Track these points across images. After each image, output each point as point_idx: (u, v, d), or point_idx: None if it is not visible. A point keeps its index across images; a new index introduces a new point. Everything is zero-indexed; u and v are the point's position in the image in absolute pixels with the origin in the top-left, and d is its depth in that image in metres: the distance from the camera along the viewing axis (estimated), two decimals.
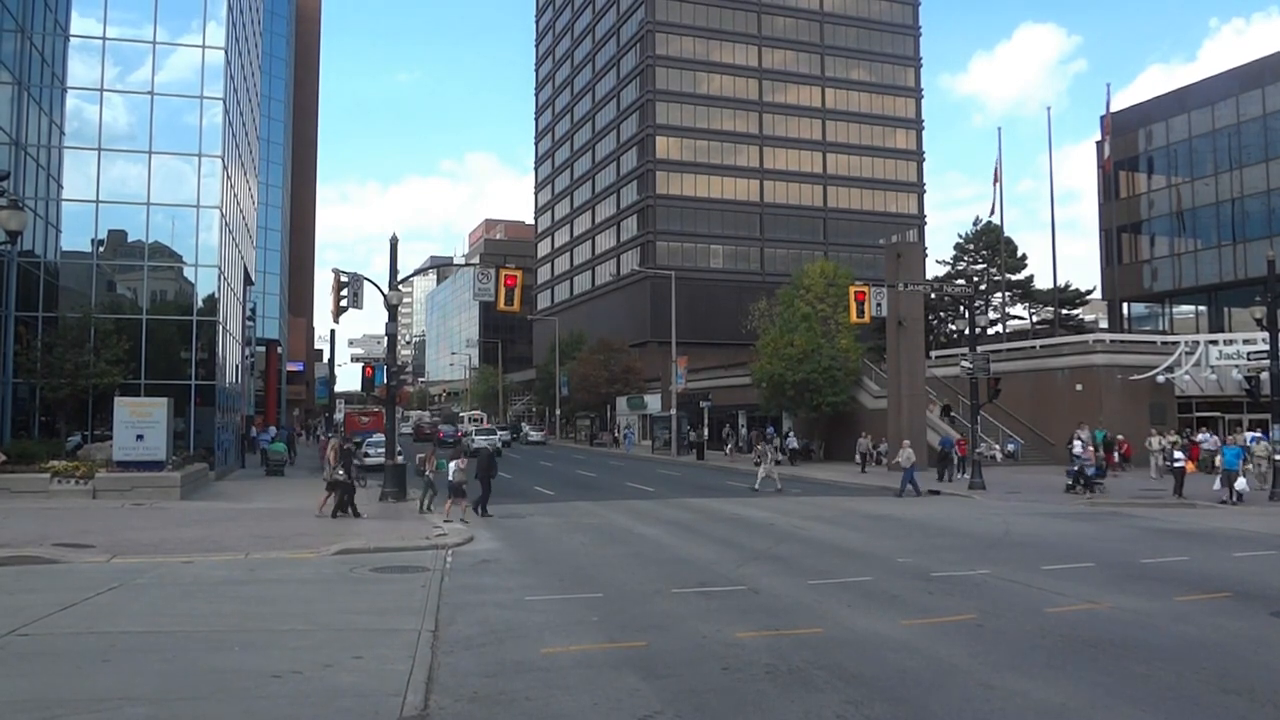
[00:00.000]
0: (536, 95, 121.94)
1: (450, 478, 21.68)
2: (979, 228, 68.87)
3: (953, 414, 43.63)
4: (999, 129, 76.58)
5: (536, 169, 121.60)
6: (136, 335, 33.05)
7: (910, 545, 17.80)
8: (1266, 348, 26.92)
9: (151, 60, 36.01)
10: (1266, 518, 22.34)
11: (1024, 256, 68.70)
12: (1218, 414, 41.27)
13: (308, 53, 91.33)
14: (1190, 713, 7.85)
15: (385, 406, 30.10)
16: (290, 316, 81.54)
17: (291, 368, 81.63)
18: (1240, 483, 25.34)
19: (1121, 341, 46.59)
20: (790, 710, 7.77)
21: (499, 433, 62.19)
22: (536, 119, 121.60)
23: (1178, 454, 27.89)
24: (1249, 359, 35.20)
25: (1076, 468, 28.33)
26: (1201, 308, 56.21)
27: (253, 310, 54.74)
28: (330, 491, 21.86)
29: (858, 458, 39.88)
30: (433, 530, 19.27)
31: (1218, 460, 33.86)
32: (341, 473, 21.51)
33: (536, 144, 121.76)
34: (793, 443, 45.73)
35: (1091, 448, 30.72)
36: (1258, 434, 33.16)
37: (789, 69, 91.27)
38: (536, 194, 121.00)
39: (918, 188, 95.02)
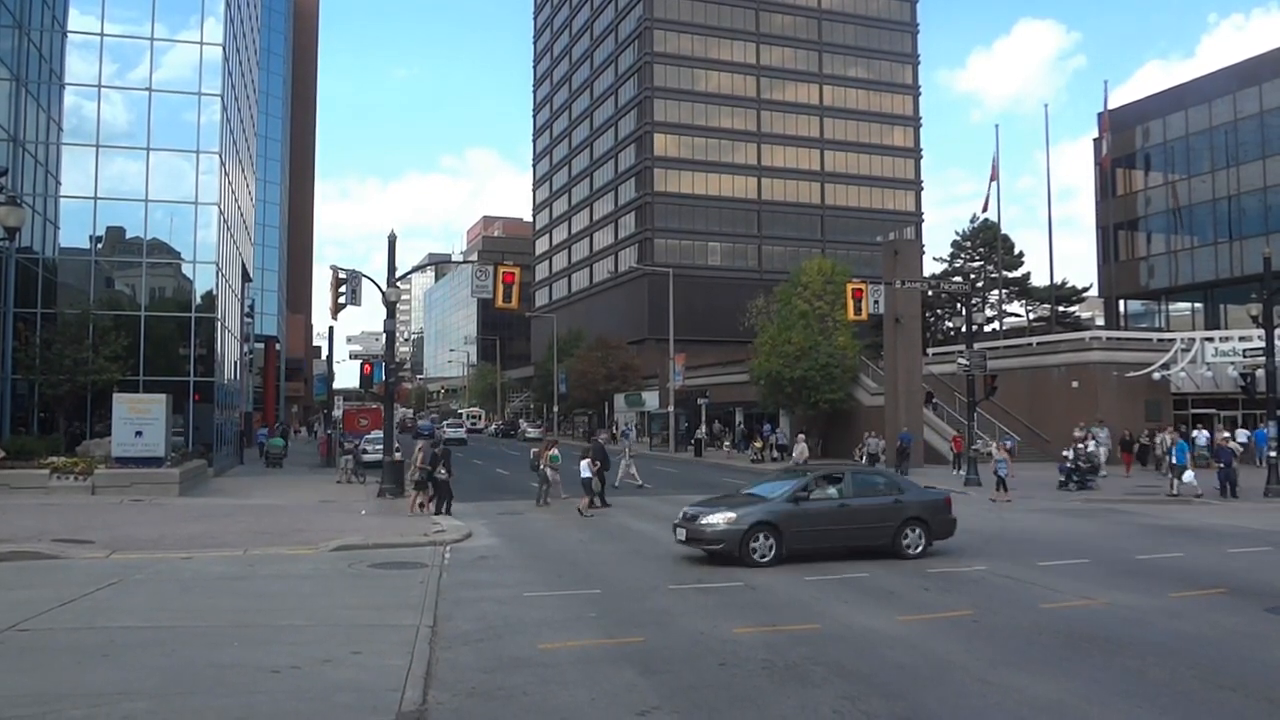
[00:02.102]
0: (534, 92, 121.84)
1: (583, 474, 22.83)
2: (976, 225, 68.87)
3: (935, 401, 43.63)
4: (996, 126, 76.68)
5: (535, 166, 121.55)
6: (135, 332, 33.10)
7: None
8: (1262, 345, 26.97)
9: (149, 57, 36.02)
10: (1261, 514, 22.42)
11: (1021, 254, 68.73)
12: (1213, 411, 41.33)
13: (306, 49, 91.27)
14: (1185, 708, 7.91)
15: (383, 403, 30.14)
16: (289, 313, 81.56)
17: (290, 364, 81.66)
18: (1188, 475, 25.54)
19: (1118, 339, 46.64)
20: (787, 705, 7.82)
21: (463, 426, 80.00)
22: (534, 116, 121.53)
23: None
24: (1245, 356, 35.28)
25: (1070, 465, 28.28)
26: (1198, 305, 56.26)
27: (251, 307, 54.80)
28: (418, 491, 22.49)
29: (861, 456, 39.85)
30: (431, 526, 19.33)
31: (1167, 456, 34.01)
32: (444, 472, 22.16)
33: (535, 141, 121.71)
34: (783, 439, 45.69)
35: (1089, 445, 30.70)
36: (1228, 433, 33.43)
37: (787, 66, 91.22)
38: (535, 191, 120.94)
39: (915, 185, 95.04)
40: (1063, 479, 28.21)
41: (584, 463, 23.00)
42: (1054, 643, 10.00)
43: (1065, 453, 29.64)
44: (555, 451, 24.77)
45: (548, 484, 24.64)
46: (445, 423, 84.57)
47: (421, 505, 22.17)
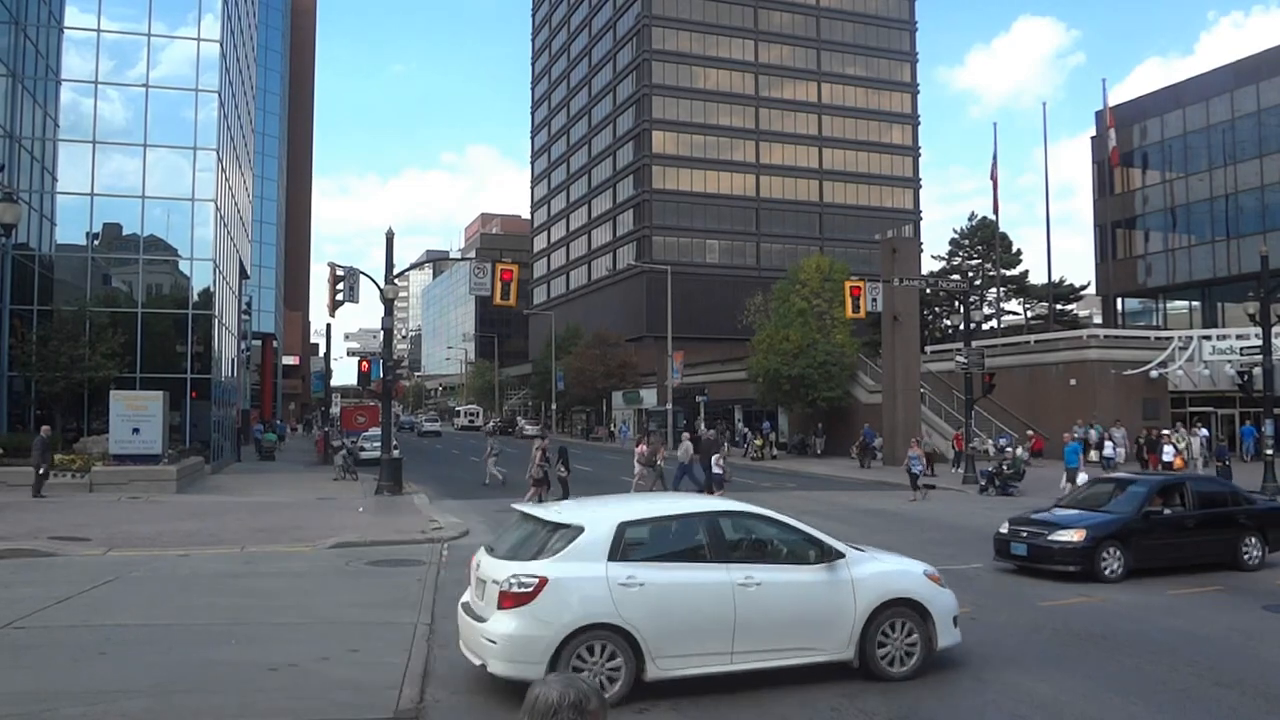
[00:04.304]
0: (533, 89, 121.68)
1: (714, 470, 24.46)
2: (974, 223, 68.99)
3: (922, 391, 43.68)
4: (995, 124, 76.68)
5: (533, 163, 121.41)
6: (132, 329, 33.00)
7: (904, 539, 17.82)
8: (1259, 343, 27.00)
9: (147, 53, 35.90)
10: None
11: (1019, 252, 68.81)
12: (1210, 409, 41.40)
13: (304, 45, 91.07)
14: (1182, 705, 7.92)
15: (381, 401, 30.11)
16: (286, 310, 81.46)
17: (287, 361, 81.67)
18: (1080, 478, 25.13)
19: (1115, 337, 46.66)
20: (785, 703, 7.83)
21: (439, 420, 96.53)
22: (533, 113, 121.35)
23: (1168, 449, 27.96)
24: (1242, 354, 35.34)
25: (992, 469, 27.83)
26: (1195, 303, 56.32)
27: (248, 304, 54.71)
28: (537, 487, 23.29)
29: (854, 453, 40.01)
30: (429, 524, 19.31)
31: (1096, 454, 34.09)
32: (562, 470, 23.61)
33: (533, 138, 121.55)
34: (783, 438, 45.81)
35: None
36: (1205, 432, 33.58)
37: (785, 64, 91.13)
38: (533, 188, 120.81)
39: (914, 183, 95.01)
40: (982, 484, 27.70)
41: (714, 458, 24.33)
42: (1052, 640, 10.01)
43: (1008, 449, 29.78)
44: (718, 458, 26.01)
45: (662, 480, 26.14)
46: (424, 417, 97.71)
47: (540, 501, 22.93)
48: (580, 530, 7.95)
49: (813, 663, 8.29)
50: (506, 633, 7.62)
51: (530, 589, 7.61)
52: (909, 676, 8.39)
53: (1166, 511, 14.18)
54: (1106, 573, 13.32)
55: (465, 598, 8.63)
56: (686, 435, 31.14)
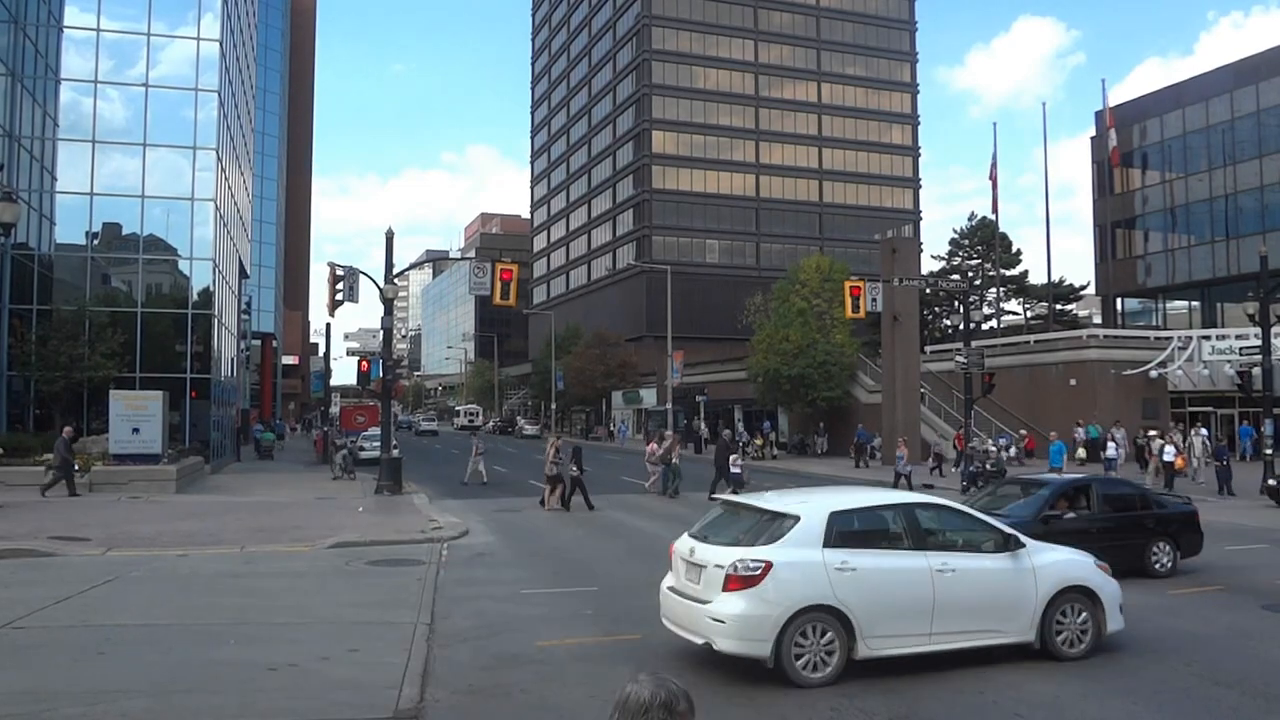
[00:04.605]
0: (533, 89, 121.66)
1: (732, 470, 24.85)
2: (974, 223, 69.05)
3: (922, 389, 43.75)
4: (994, 125, 76.70)
5: (533, 163, 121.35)
6: (131, 328, 33.01)
7: None
8: (1259, 343, 26.99)
9: (146, 53, 35.90)
10: (1257, 511, 22.46)
11: (1019, 252, 68.87)
12: (1210, 409, 41.41)
13: (303, 45, 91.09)
14: (1181, 704, 7.92)
15: (380, 401, 30.10)
16: (286, 310, 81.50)
17: (287, 361, 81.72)
18: None
19: (1115, 337, 46.67)
20: (785, 702, 7.82)
21: (437, 420, 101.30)
22: (533, 113, 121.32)
23: (1169, 449, 27.93)
24: (1241, 354, 35.33)
25: (975, 469, 27.71)
26: (1194, 303, 56.32)
27: (248, 304, 54.73)
28: (550, 485, 23.44)
29: (852, 453, 40.05)
30: (428, 523, 19.31)
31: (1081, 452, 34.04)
32: (575, 469, 23.40)
33: (533, 138, 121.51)
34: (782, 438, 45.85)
35: (1123, 450, 30.35)
36: (1205, 431, 33.54)
37: (785, 64, 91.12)
38: (533, 188, 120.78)
39: (913, 183, 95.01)
40: (965, 484, 27.47)
41: (732, 458, 24.86)
42: None
43: (992, 449, 29.82)
44: (736, 457, 26.33)
45: (678, 477, 26.22)
46: (421, 417, 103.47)
47: (545, 499, 23.29)
48: (797, 519, 8.59)
49: (999, 644, 8.91)
50: (735, 613, 8.18)
51: (757, 572, 8.21)
52: (1083, 657, 9.06)
53: (1069, 515, 13.61)
54: None
55: (669, 582, 9.33)
56: (670, 433, 31.10)
